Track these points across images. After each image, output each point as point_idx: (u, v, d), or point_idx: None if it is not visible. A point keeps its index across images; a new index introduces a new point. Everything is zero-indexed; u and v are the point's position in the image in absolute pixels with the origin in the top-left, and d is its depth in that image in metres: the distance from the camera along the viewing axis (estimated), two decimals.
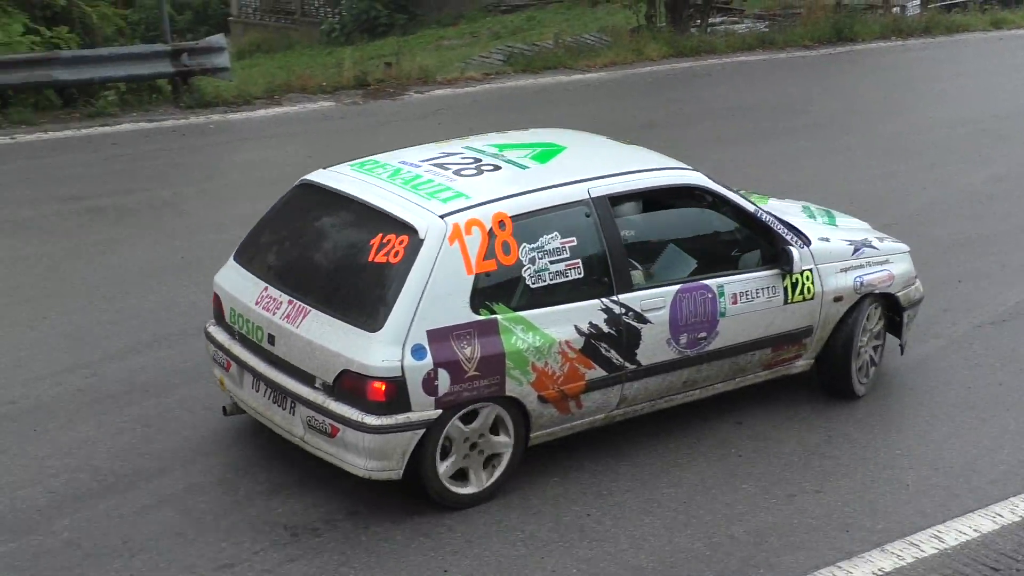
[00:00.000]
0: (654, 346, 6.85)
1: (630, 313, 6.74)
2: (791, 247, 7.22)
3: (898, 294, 7.92)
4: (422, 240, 6.21)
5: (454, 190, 6.56)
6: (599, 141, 7.96)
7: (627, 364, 6.78)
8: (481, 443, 6.42)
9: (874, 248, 7.87)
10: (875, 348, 7.88)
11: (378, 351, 5.97)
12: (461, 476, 6.40)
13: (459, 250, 6.30)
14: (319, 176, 6.92)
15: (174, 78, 15.69)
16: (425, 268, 6.17)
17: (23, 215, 10.70)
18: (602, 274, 6.72)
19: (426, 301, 6.13)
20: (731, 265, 7.26)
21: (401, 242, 6.23)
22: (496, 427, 6.43)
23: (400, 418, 6.04)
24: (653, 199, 7.19)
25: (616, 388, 6.81)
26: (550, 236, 6.57)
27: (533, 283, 6.48)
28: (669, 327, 6.88)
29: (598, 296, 6.68)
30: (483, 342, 6.27)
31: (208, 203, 11.43)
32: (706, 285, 7.03)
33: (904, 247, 8.13)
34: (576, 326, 6.57)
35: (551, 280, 6.55)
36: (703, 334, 7.02)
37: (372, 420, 5.97)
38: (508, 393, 6.39)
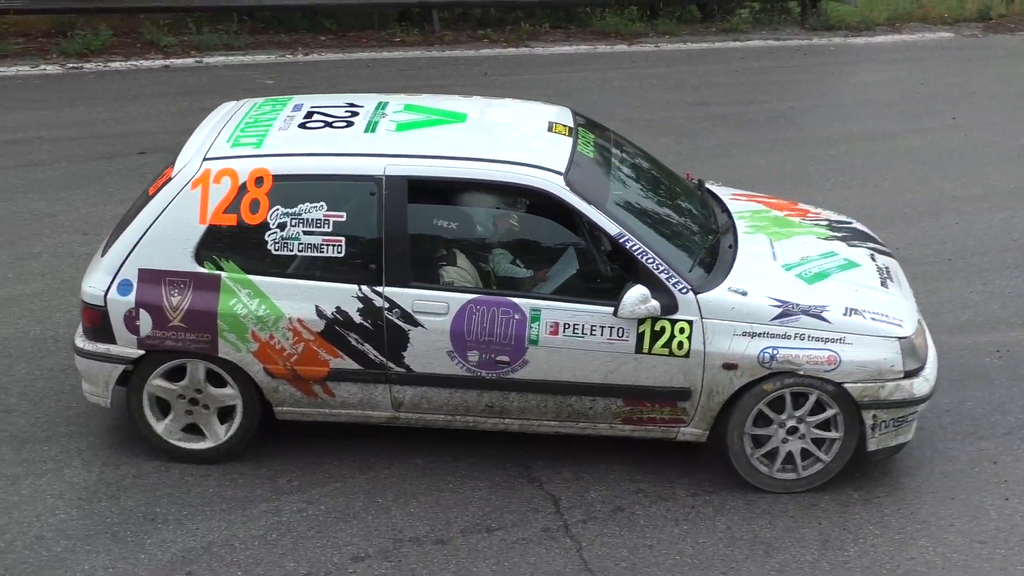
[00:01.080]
0: (429, 354, 6.02)
1: (396, 310, 5.98)
2: (634, 284, 5.85)
3: (848, 385, 6.01)
4: (171, 179, 6.08)
5: (259, 139, 6.21)
6: (522, 120, 6.71)
7: (392, 365, 6.06)
8: (202, 398, 6.14)
9: (821, 319, 5.99)
10: (824, 443, 6.10)
11: (92, 277, 6.07)
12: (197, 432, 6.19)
13: (199, 197, 6.03)
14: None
15: (803, 1, 16.36)
16: (158, 207, 6.04)
17: (657, 116, 11.91)
18: (370, 260, 6.02)
19: (147, 239, 6.01)
20: (564, 290, 6.05)
21: (164, 177, 6.16)
22: (221, 381, 6.11)
23: (101, 347, 6.04)
24: (501, 197, 6.23)
25: (383, 387, 6.12)
26: (314, 205, 6.00)
27: (276, 249, 6.00)
28: (451, 338, 5.99)
29: (358, 282, 6.00)
30: (197, 295, 6.00)
31: (820, 119, 12.09)
32: (514, 304, 5.98)
33: (896, 331, 6.05)
34: (318, 307, 5.99)
35: (299, 251, 6.01)
36: (504, 358, 6.02)
37: (79, 342, 6.14)
38: (222, 355, 6.04)
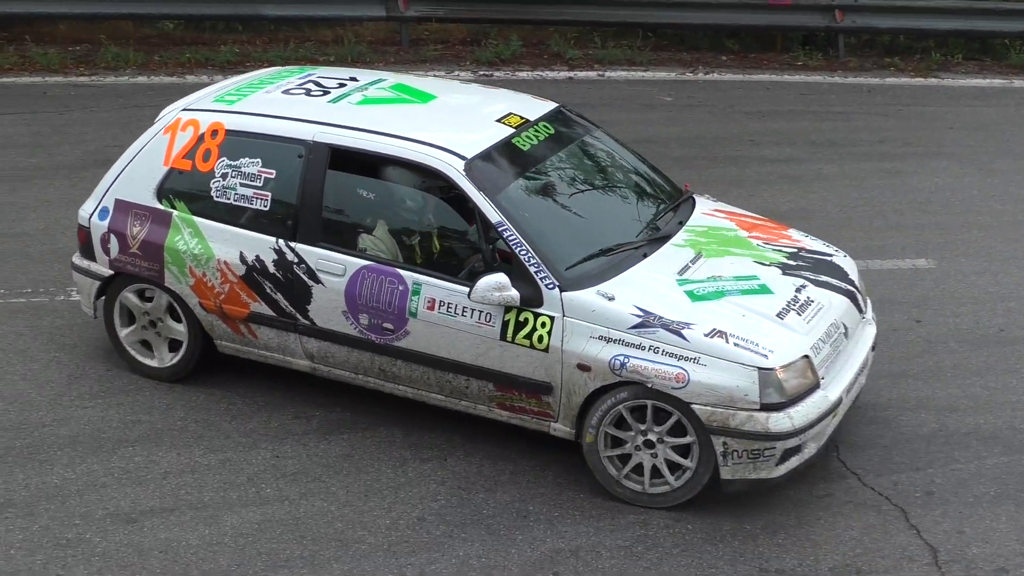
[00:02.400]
0: (328, 311, 6.45)
1: (303, 266, 6.45)
2: (492, 274, 5.95)
3: (696, 406, 5.76)
4: (152, 124, 6.96)
5: (239, 99, 6.93)
6: (480, 108, 7.02)
7: (298, 316, 6.54)
8: (160, 326, 6.88)
9: (679, 336, 5.80)
10: (687, 453, 5.86)
11: (86, 203, 7.02)
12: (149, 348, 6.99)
13: (167, 142, 6.82)
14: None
15: None
16: (137, 147, 6.94)
17: None
18: (288, 217, 6.52)
19: (125, 174, 6.91)
20: (447, 269, 6.23)
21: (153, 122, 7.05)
22: (179, 317, 6.83)
23: (86, 263, 7.00)
24: (421, 175, 6.46)
25: (294, 336, 6.59)
26: (252, 160, 6.60)
27: (217, 196, 6.66)
28: (345, 299, 6.38)
29: (276, 235, 6.52)
30: (152, 228, 6.78)
31: None
32: (399, 275, 6.28)
33: (758, 361, 5.69)
34: (241, 252, 6.57)
35: (233, 200, 6.63)
36: (389, 325, 6.31)
37: (74, 258, 7.11)
38: (167, 284, 6.78)
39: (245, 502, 5.84)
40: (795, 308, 6.16)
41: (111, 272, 6.88)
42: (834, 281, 6.52)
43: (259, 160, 6.60)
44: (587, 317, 5.95)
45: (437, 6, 14.31)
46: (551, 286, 6.00)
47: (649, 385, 5.84)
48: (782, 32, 14.80)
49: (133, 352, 6.97)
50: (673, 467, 5.95)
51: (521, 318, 6.04)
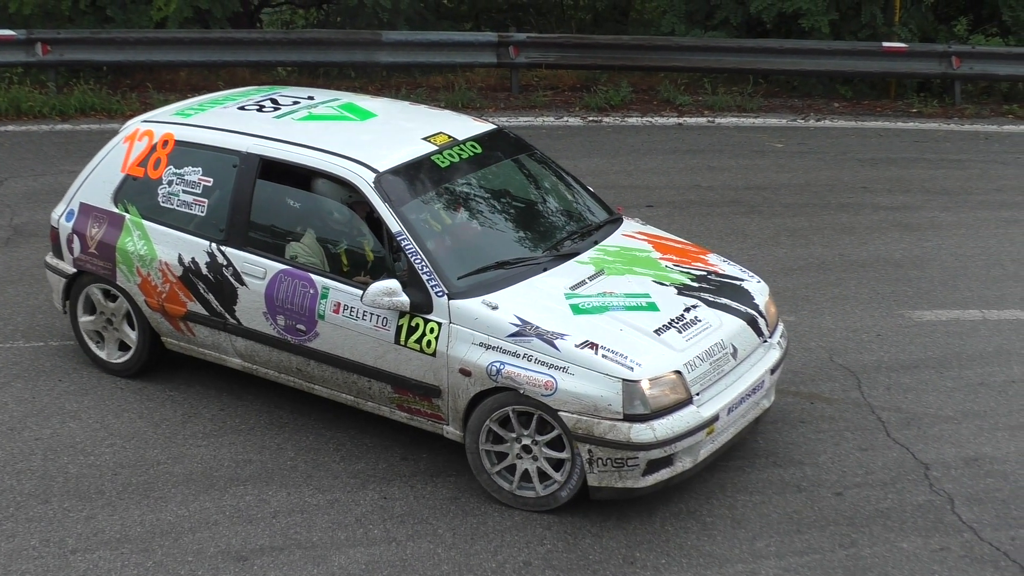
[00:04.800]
0: (251, 312, 6.88)
1: (230, 268, 6.91)
2: (384, 280, 6.32)
3: (563, 413, 6.02)
4: (116, 133, 7.60)
5: (197, 113, 7.52)
6: (411, 127, 7.33)
7: (227, 316, 6.99)
8: (115, 323, 7.43)
9: (551, 345, 6.07)
10: (561, 463, 6.11)
11: (58, 206, 7.61)
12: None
13: (125, 150, 7.42)
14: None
15: None
16: (102, 155, 7.55)
17: None
18: (220, 222, 6.99)
19: (90, 179, 7.52)
20: (353, 275, 6.65)
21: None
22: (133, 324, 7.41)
23: (55, 262, 7.61)
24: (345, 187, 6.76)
25: (224, 335, 7.05)
26: (194, 169, 7.14)
27: (163, 202, 7.21)
28: (265, 301, 6.80)
29: (209, 239, 7.01)
30: (107, 230, 7.35)
31: None
32: (311, 279, 6.68)
33: (624, 373, 5.93)
34: (180, 255, 7.08)
35: (176, 206, 7.16)
36: (301, 326, 6.72)
37: (47, 257, 7.69)
38: (119, 283, 7.33)
39: (353, 542, 5.90)
40: (678, 326, 6.36)
41: (75, 270, 7.51)
42: (734, 304, 6.68)
43: (200, 169, 7.17)
44: (470, 324, 6.28)
45: (547, 52, 14.53)
46: (440, 294, 6.34)
47: (520, 391, 6.11)
48: (897, 78, 14.72)
49: (88, 340, 7.58)
50: (543, 476, 6.22)
51: (413, 323, 6.39)
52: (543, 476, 6.22)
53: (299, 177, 6.94)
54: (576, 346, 6.09)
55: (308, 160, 6.82)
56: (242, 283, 6.85)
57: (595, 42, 14.80)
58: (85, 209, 7.45)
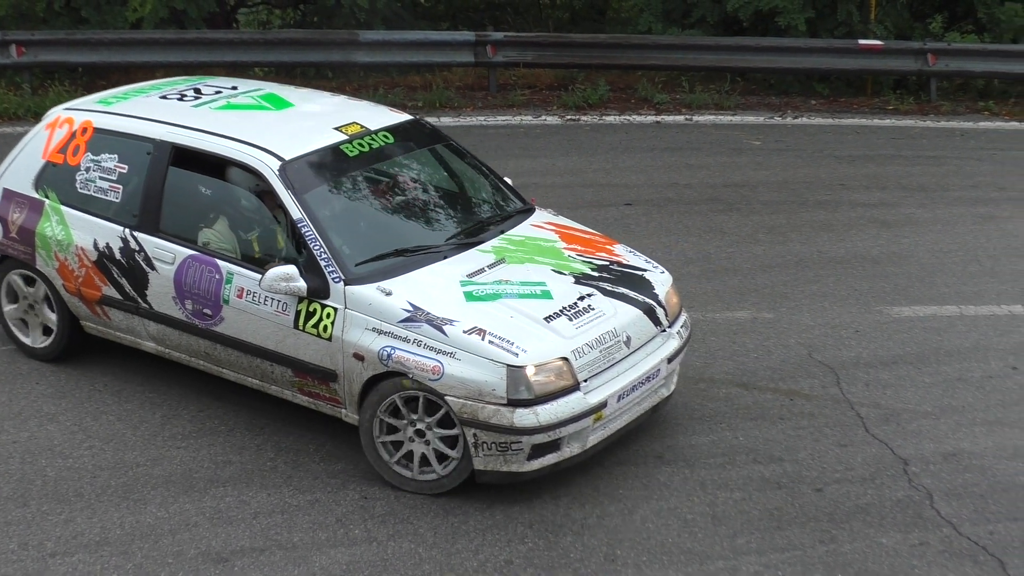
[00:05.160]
0: (161, 296, 7.02)
1: (142, 253, 7.05)
2: (282, 265, 6.46)
3: (449, 398, 6.16)
4: (40, 122, 7.76)
5: (119, 101, 7.68)
6: (325, 116, 7.47)
7: (139, 300, 7.12)
8: (36, 308, 7.58)
9: (440, 331, 6.20)
10: (455, 444, 6.23)
11: None
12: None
13: (47, 137, 7.58)
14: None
15: None
16: (25, 141, 7.70)
17: None
18: (134, 208, 7.13)
19: (13, 166, 7.68)
20: (261, 261, 6.71)
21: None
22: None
23: None
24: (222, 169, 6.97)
25: (137, 319, 7.19)
26: (110, 156, 7.28)
27: (81, 188, 7.35)
28: (174, 285, 6.94)
29: (123, 225, 7.14)
30: (28, 215, 7.49)
31: None
32: (216, 264, 6.82)
33: (509, 359, 6.05)
34: (95, 240, 7.21)
35: (93, 192, 7.30)
36: (208, 311, 6.86)
37: None
38: (38, 267, 7.47)
39: (334, 543, 5.89)
40: (569, 314, 6.46)
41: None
42: (632, 293, 6.78)
43: (116, 156, 7.31)
44: (364, 310, 6.39)
45: (525, 51, 14.53)
46: (337, 279, 6.46)
47: (410, 376, 6.21)
48: (873, 76, 14.78)
49: (13, 328, 7.72)
50: (441, 457, 6.32)
51: (311, 308, 6.51)
52: (441, 457, 6.31)
53: (210, 165, 7.05)
54: (464, 332, 6.21)
55: (217, 148, 6.97)
56: (153, 268, 7.01)
57: (572, 41, 14.81)
58: (8, 195, 7.62)
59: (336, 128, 7.19)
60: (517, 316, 6.36)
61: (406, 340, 6.24)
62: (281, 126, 7.26)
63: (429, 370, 6.16)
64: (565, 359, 6.22)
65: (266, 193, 6.82)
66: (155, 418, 6.94)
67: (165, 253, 6.96)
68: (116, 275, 7.15)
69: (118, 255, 7.13)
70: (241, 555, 5.78)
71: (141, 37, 13.90)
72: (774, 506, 6.17)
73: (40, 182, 7.50)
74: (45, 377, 7.36)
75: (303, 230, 6.57)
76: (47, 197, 7.44)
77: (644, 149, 12.37)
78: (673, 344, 6.80)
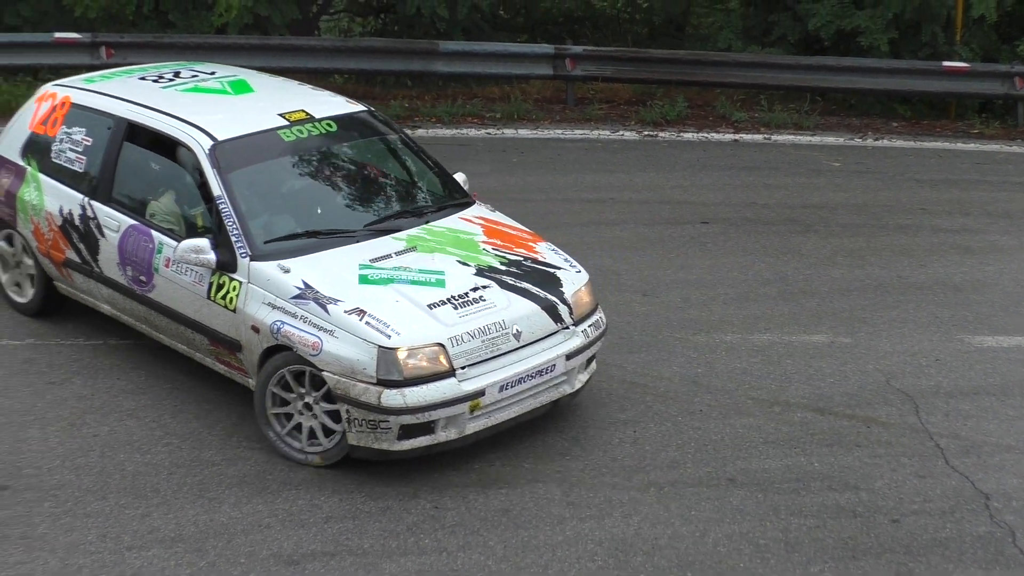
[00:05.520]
0: (108, 261, 7.51)
1: (95, 221, 7.55)
2: (194, 239, 6.89)
3: (326, 373, 6.46)
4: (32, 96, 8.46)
5: (103, 81, 8.31)
6: (274, 103, 7.79)
7: (93, 264, 7.63)
8: (23, 265, 8.25)
9: (323, 309, 6.50)
10: (339, 418, 6.47)
11: None
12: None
13: (34, 109, 8.25)
14: None
15: None
16: (18, 112, 8.46)
17: None
18: (92, 178, 7.67)
19: (6, 135, 8.39)
20: (189, 234, 7.08)
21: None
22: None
23: None
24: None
25: (92, 282, 7.71)
26: (80, 130, 7.86)
27: (54, 158, 7.95)
28: (117, 252, 7.42)
29: (84, 193, 7.68)
30: (13, 181, 8.15)
31: None
32: (151, 234, 7.25)
33: (381, 340, 6.31)
34: (61, 207, 7.78)
35: (63, 162, 7.89)
36: (143, 278, 7.29)
37: None
38: (19, 228, 8.12)
39: (404, 551, 5.90)
40: (456, 303, 6.67)
41: None
42: (534, 289, 6.93)
43: (84, 130, 7.85)
44: (263, 285, 6.72)
45: (603, 66, 14.51)
46: (244, 255, 6.80)
47: (294, 350, 6.52)
48: (957, 99, 14.56)
49: (11, 293, 8.36)
50: (328, 431, 6.58)
51: (220, 281, 6.87)
52: (328, 431, 6.58)
53: (156, 142, 7.50)
54: (345, 312, 6.48)
55: (161, 126, 7.44)
56: (102, 235, 7.50)
57: (651, 56, 14.75)
58: (2, 161, 8.30)
59: (280, 114, 7.55)
60: (403, 301, 6.62)
61: (294, 316, 6.56)
62: (230, 109, 7.72)
63: (310, 345, 6.46)
64: (441, 345, 6.44)
65: (199, 170, 7.19)
66: (231, 418, 7.00)
67: (112, 221, 7.45)
68: (75, 239, 7.69)
69: (77, 221, 7.66)
70: (312, 559, 5.80)
71: (226, 42, 14.02)
72: (849, 535, 6.08)
73: (25, 151, 8.16)
74: (126, 373, 7.46)
75: (220, 206, 6.95)
76: (29, 164, 8.09)
77: (722, 167, 12.28)
78: (576, 342, 6.92)
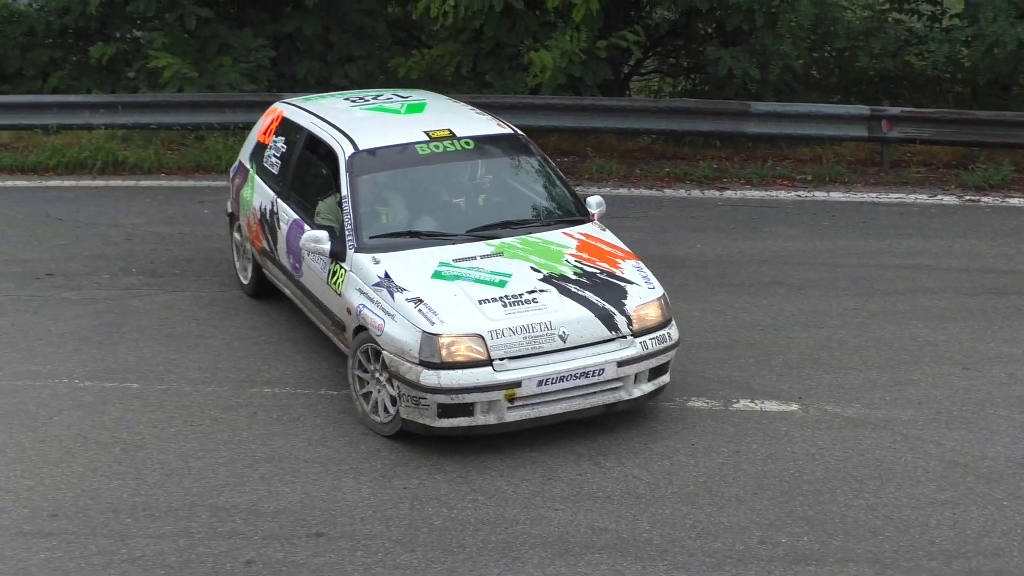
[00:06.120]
0: (282, 250, 8.73)
1: (276, 216, 8.79)
2: (316, 230, 8.03)
3: (384, 353, 7.35)
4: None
5: (316, 100, 9.75)
6: (452, 119, 8.85)
7: (275, 253, 8.91)
8: (247, 251, 9.74)
9: (389, 297, 7.41)
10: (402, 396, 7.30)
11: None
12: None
13: (264, 122, 9.68)
14: None
15: None
16: (256, 125, 9.90)
17: None
18: (280, 179, 8.97)
19: (246, 143, 9.91)
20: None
21: None
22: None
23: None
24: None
25: (276, 268, 8.98)
26: (281, 139, 9.19)
27: (264, 162, 9.31)
28: (285, 242, 8.61)
29: (276, 193, 8.93)
30: (240, 181, 9.68)
31: None
32: (303, 226, 8.34)
33: (426, 326, 7.12)
34: (261, 203, 9.13)
35: (268, 166, 9.23)
36: (297, 264, 8.46)
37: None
38: (241, 221, 9.68)
39: None
40: (507, 301, 7.35)
41: (230, 211, 10.08)
42: (594, 298, 7.48)
43: (283, 139, 9.21)
44: (358, 272, 7.73)
45: (922, 127, 13.95)
46: (351, 246, 7.86)
47: (367, 330, 7.44)
48: None
49: (241, 276, 9.96)
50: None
51: (334, 268, 7.94)
52: (379, 406, 7.49)
53: (320, 149, 8.70)
54: (406, 299, 7.36)
55: (324, 135, 8.64)
56: (279, 227, 8.78)
57: (975, 118, 14.00)
58: (239, 165, 9.88)
59: (426, 131, 8.53)
60: (460, 295, 7.39)
61: (371, 300, 7.51)
62: (388, 126, 8.81)
63: (376, 327, 7.39)
64: (480, 336, 7.15)
65: (337, 173, 8.28)
66: (535, 477, 7.03)
67: (285, 216, 8.70)
68: (266, 231, 9.06)
69: (267, 216, 9.01)
70: None
71: (539, 102, 14.37)
72: None
73: (251, 155, 9.67)
74: None
75: (344, 204, 8.05)
76: (251, 167, 9.57)
77: None
78: (631, 351, 7.39)
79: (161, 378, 8.33)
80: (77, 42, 17.34)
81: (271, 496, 6.80)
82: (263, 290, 9.54)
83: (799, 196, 13.12)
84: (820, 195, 13.15)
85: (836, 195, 13.09)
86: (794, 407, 7.87)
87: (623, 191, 13.25)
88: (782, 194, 13.20)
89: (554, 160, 14.25)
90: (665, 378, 7.68)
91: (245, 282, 9.83)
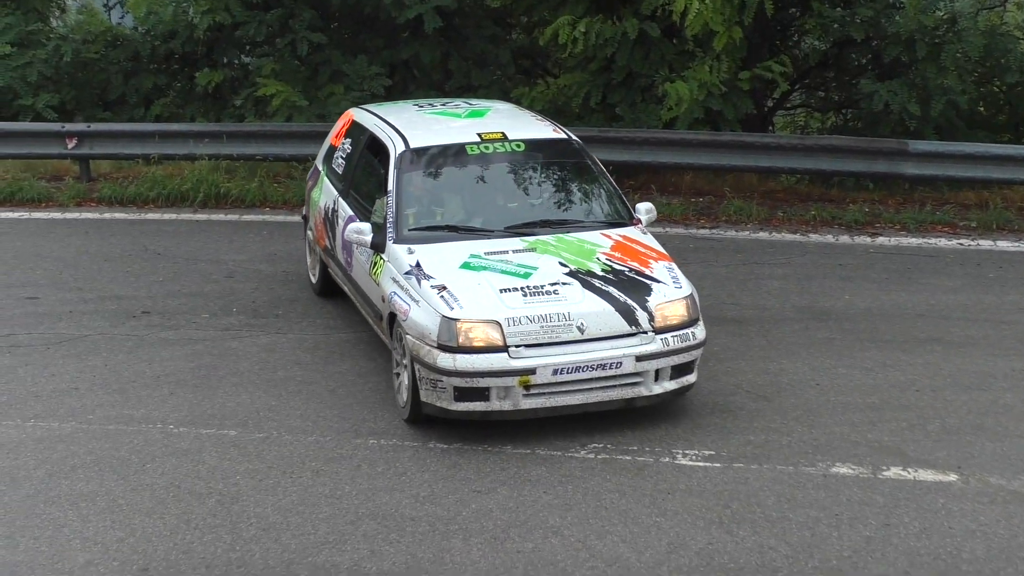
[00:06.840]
0: (339, 246, 9.95)
1: (339, 214, 9.99)
2: (359, 222, 9.15)
3: (407, 336, 8.22)
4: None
5: (389, 105, 11.50)
6: (509, 123, 9.96)
7: (334, 250, 10.10)
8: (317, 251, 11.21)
9: (416, 285, 8.29)
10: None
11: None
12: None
13: (337, 127, 11.09)
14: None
15: None
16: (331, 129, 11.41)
17: None
18: (343, 179, 10.25)
19: (322, 147, 11.22)
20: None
21: None
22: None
23: None
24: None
25: (336, 266, 10.18)
26: (349, 141, 10.49)
27: (332, 164, 10.64)
28: (341, 238, 9.69)
29: (338, 192, 10.23)
30: (313, 183, 11.10)
31: None
32: (354, 221, 9.46)
33: (445, 310, 8.00)
34: (326, 203, 10.45)
35: (335, 166, 10.56)
36: (349, 259, 9.65)
37: None
38: (310, 222, 11.15)
39: None
40: (527, 291, 8.14)
41: (304, 214, 11.58)
42: (616, 293, 8.22)
43: (351, 140, 10.38)
44: (393, 262, 8.67)
45: None
46: (391, 238, 8.80)
47: (396, 315, 8.35)
48: None
49: (311, 274, 11.23)
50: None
51: (376, 260, 8.91)
52: (401, 390, 8.48)
53: (377, 148, 9.67)
54: (432, 287, 8.23)
55: (382, 135, 9.68)
56: (338, 224, 9.83)
57: None
58: (314, 168, 11.21)
59: (479, 133, 9.51)
60: (483, 284, 8.20)
61: (401, 287, 8.43)
62: (444, 127, 9.82)
63: (403, 312, 8.28)
64: (497, 323, 7.93)
65: (387, 169, 9.24)
66: (660, 545, 6.97)
67: (343, 213, 9.79)
68: (328, 229, 10.22)
69: (329, 214, 10.16)
70: None
71: (673, 137, 14.41)
72: None
73: (324, 159, 10.92)
74: (553, 487, 7.61)
75: (388, 198, 8.99)
76: (323, 169, 10.81)
77: None
78: (651, 347, 8.08)
79: (260, 426, 8.49)
80: (183, 68, 18.00)
81: (373, 556, 6.86)
82: (327, 289, 10.81)
83: (961, 244, 12.94)
84: (986, 244, 12.95)
85: (1004, 244, 12.90)
86: (952, 477, 7.71)
87: (763, 235, 13.22)
88: (942, 242, 13.03)
89: (689, 200, 14.40)
90: (690, 377, 8.37)
91: (313, 281, 11.07)
